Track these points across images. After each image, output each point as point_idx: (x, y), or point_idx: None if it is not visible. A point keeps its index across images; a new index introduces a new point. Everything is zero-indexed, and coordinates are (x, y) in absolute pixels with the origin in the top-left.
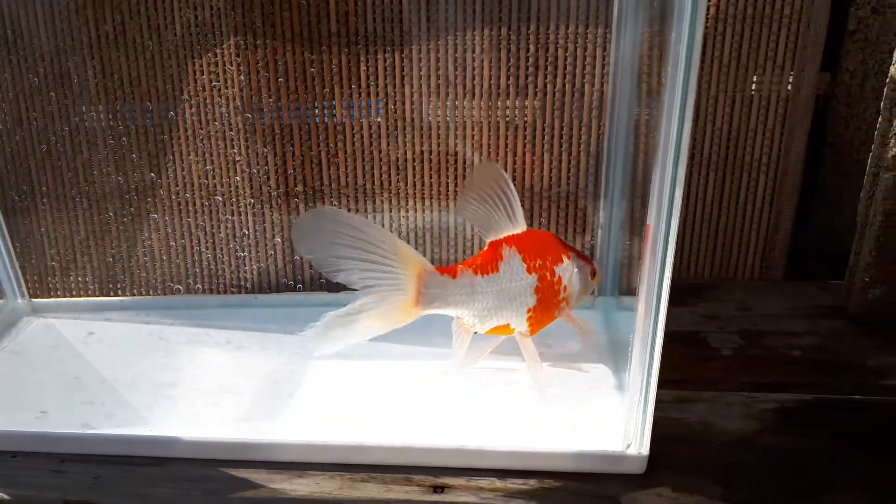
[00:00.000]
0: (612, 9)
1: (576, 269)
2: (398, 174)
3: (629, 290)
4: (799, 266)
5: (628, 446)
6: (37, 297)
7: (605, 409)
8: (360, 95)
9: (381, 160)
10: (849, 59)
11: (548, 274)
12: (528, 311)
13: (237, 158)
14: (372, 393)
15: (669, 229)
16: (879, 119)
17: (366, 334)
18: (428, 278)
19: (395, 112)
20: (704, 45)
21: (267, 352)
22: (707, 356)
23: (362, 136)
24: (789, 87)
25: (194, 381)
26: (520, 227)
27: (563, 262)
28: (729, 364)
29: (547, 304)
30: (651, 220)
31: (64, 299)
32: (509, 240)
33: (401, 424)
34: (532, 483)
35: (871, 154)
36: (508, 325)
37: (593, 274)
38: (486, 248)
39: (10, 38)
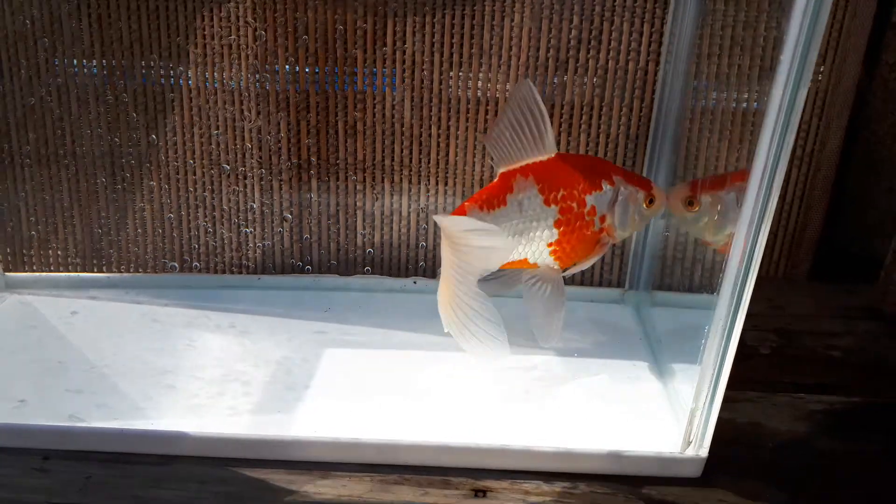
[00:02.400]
0: None
1: (621, 197)
2: (421, 151)
3: (663, 285)
4: (824, 266)
5: (687, 447)
6: (11, 270)
7: (651, 409)
8: (384, 63)
9: (403, 135)
10: (889, 52)
11: (575, 205)
12: (551, 245)
13: (247, 124)
14: (399, 386)
15: (762, 223)
16: None
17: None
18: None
19: (423, 83)
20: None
21: (276, 337)
22: (745, 354)
23: (384, 108)
24: (828, 79)
25: (196, 368)
26: (548, 152)
27: (601, 188)
28: (769, 363)
29: (578, 236)
30: (744, 216)
31: (42, 274)
32: (526, 169)
33: (435, 421)
34: (582, 487)
35: None
36: (526, 259)
37: (650, 200)
38: (496, 179)
39: None
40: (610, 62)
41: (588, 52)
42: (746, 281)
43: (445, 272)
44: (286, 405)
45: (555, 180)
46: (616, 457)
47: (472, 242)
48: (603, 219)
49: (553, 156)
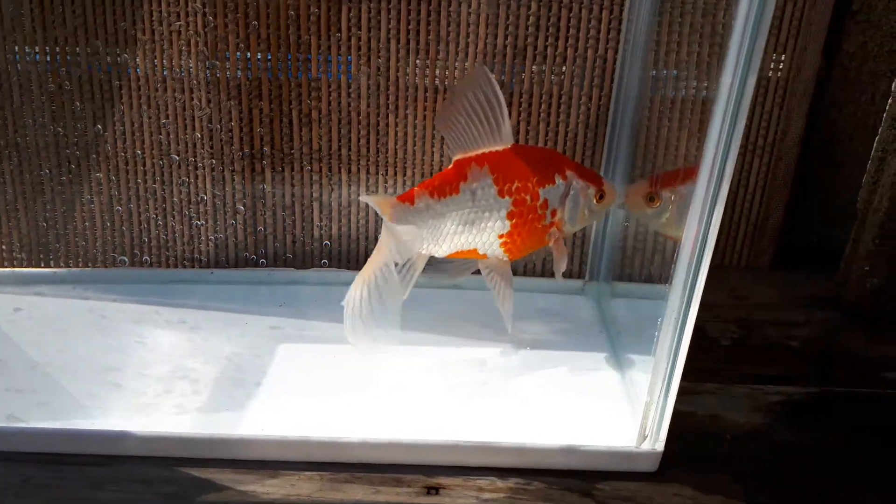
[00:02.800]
0: None
1: (573, 192)
2: (378, 140)
3: (623, 276)
4: (786, 255)
5: (643, 441)
6: None
7: (608, 402)
8: (339, 49)
9: (360, 123)
10: (849, 42)
11: (528, 197)
12: (502, 236)
13: (197, 113)
14: (351, 383)
15: (713, 216)
16: (889, 101)
17: (394, 292)
18: (394, 212)
19: (379, 70)
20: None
21: (227, 332)
22: (705, 346)
23: (340, 96)
24: (789, 68)
25: (143, 365)
26: (504, 142)
27: (554, 182)
28: (729, 354)
29: (529, 229)
30: (695, 205)
31: None
32: (482, 158)
33: (386, 418)
34: (536, 484)
35: (877, 138)
36: (476, 250)
37: (600, 196)
38: (450, 166)
39: None
40: (569, 50)
41: (546, 40)
42: (699, 270)
43: (375, 249)
44: (235, 403)
45: (510, 171)
46: (571, 451)
47: (387, 228)
48: (554, 213)
49: (509, 146)
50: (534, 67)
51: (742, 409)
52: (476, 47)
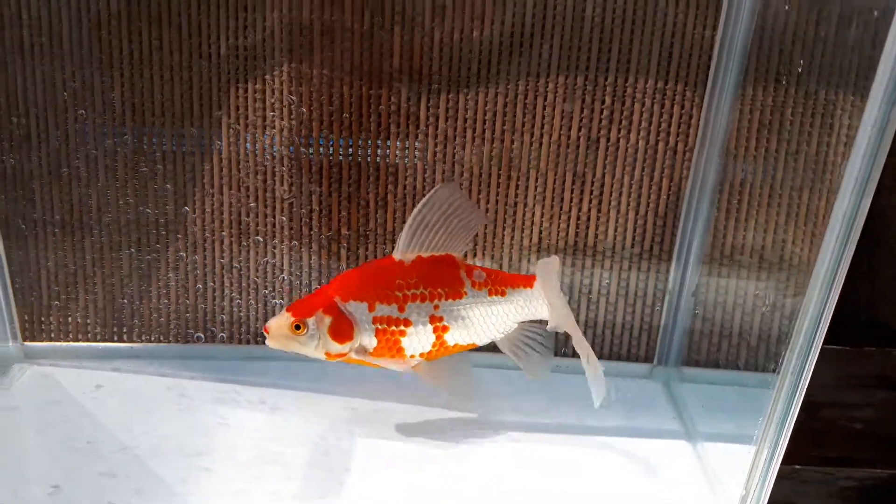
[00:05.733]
0: (708, 67)
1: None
2: None
3: (691, 360)
4: (836, 328)
5: None
6: (30, 340)
7: (688, 491)
8: (417, 137)
9: None
10: None
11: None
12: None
13: (280, 195)
14: (439, 472)
15: (828, 300)
16: None
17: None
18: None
19: (455, 157)
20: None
21: (305, 414)
22: None
23: (415, 180)
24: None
25: (229, 448)
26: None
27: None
28: (794, 436)
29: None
30: (811, 290)
31: (62, 343)
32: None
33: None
34: None
35: None
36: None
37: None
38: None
39: (33, 42)
40: (640, 141)
41: (619, 132)
42: (809, 357)
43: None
44: (327, 490)
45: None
46: None
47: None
48: None
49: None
50: (606, 157)
51: (816, 496)
52: (550, 137)
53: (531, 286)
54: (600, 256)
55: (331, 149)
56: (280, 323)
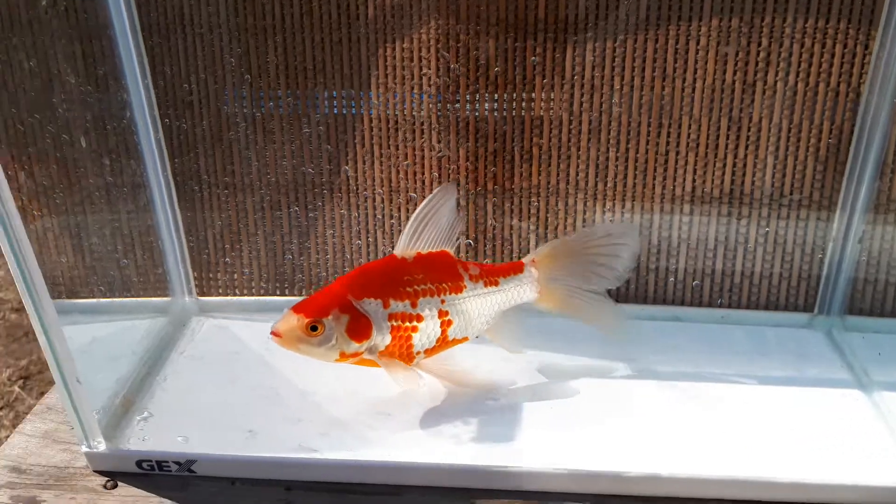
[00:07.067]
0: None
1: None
2: (598, 174)
3: (854, 309)
4: None
5: None
6: (202, 295)
7: (867, 438)
8: (562, 87)
9: (578, 159)
10: None
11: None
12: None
13: (431, 152)
14: (602, 412)
15: None
16: None
17: None
18: None
19: (602, 106)
20: None
21: (474, 361)
22: None
23: (560, 132)
24: None
25: (405, 395)
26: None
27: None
28: None
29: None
30: None
31: (231, 298)
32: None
33: (663, 451)
34: None
35: None
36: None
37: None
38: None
39: (192, 12)
40: (799, 84)
41: (776, 75)
42: None
43: None
44: (506, 434)
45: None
46: (855, 489)
47: None
48: None
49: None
50: (763, 101)
51: None
52: (704, 83)
53: (521, 271)
54: (757, 204)
55: (477, 104)
56: (293, 325)
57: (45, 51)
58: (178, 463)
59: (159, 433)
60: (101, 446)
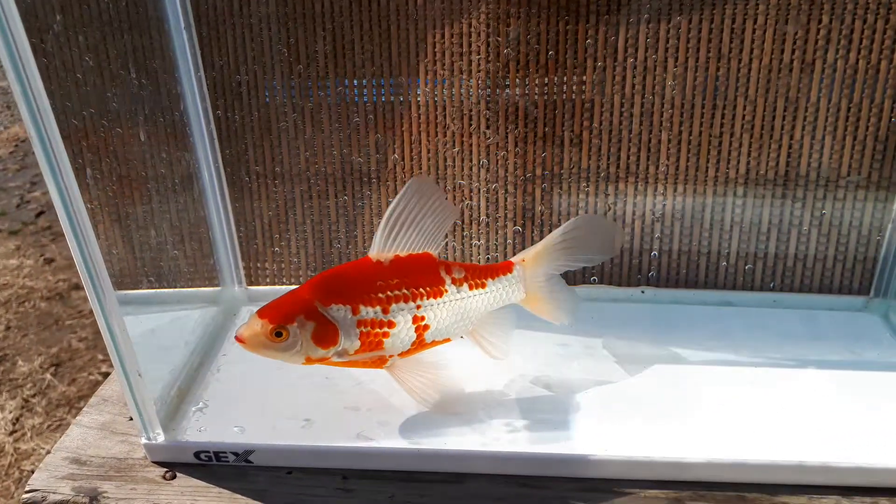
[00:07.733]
0: None
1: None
2: (649, 158)
3: None
4: None
5: None
6: (251, 284)
7: None
8: (614, 69)
9: (630, 142)
10: None
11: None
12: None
13: (479, 138)
14: (670, 401)
15: None
16: None
17: None
18: None
19: (655, 88)
20: None
21: (519, 351)
22: None
23: (612, 115)
24: None
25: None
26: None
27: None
28: None
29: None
30: None
31: (279, 287)
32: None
33: (725, 436)
34: (883, 502)
35: None
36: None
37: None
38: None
39: (241, 4)
40: (861, 61)
41: (837, 52)
42: None
43: None
44: (562, 422)
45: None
46: None
47: None
48: None
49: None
50: (822, 79)
51: None
52: (760, 62)
53: (511, 272)
54: (812, 186)
55: (527, 89)
56: (256, 331)
57: (105, 46)
58: (235, 453)
59: (215, 424)
60: (160, 438)
